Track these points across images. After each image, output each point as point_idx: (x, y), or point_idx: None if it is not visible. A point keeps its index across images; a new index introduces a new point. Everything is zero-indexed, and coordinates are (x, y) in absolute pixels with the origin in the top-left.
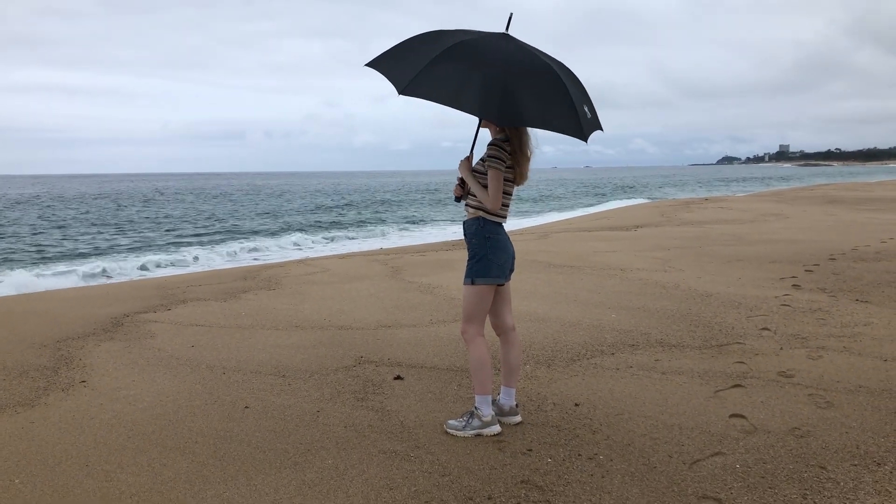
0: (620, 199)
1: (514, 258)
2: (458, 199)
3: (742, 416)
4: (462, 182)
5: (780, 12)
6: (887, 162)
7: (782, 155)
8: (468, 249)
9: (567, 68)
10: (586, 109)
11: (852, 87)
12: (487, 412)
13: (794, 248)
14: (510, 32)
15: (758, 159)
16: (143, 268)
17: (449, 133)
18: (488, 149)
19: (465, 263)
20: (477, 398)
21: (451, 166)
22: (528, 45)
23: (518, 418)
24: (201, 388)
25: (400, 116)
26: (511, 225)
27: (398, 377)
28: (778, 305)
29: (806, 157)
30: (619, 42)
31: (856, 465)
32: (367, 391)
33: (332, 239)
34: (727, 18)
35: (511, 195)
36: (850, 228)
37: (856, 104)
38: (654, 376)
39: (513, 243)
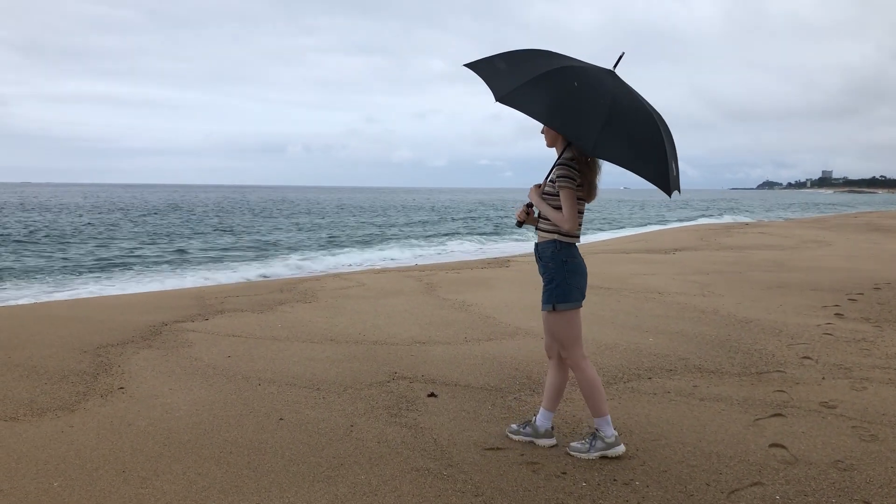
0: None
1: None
2: (520, 225)
3: (782, 447)
4: (529, 206)
5: (826, 37)
6: None
7: (825, 181)
8: (544, 274)
9: (664, 121)
10: (674, 165)
11: None
12: (610, 433)
13: (837, 276)
14: (617, 72)
15: (799, 185)
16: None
17: (487, 151)
18: (558, 169)
19: (541, 287)
20: (596, 421)
21: (488, 184)
22: (632, 88)
23: (553, 441)
24: (237, 398)
25: (439, 133)
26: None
27: (432, 394)
28: (820, 334)
29: (849, 184)
30: (660, 63)
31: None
32: (401, 407)
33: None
34: (770, 42)
35: (583, 213)
36: (895, 257)
37: None
38: (692, 402)
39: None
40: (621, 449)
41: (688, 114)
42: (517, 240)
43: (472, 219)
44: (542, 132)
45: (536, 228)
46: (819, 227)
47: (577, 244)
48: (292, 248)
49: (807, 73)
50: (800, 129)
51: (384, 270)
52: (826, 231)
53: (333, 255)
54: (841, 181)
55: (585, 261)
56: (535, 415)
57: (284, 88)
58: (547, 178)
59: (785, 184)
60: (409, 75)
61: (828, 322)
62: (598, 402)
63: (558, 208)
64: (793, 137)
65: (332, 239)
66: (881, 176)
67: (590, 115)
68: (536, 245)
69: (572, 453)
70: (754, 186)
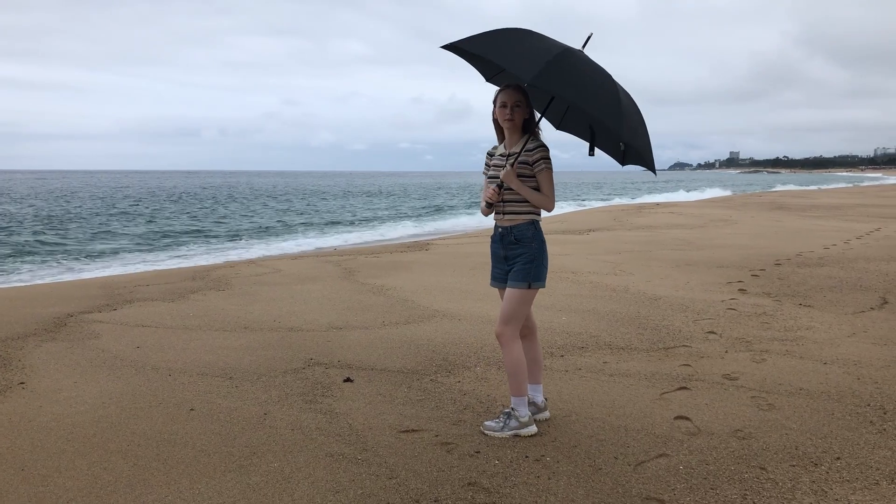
0: (587, 200)
1: None
2: (489, 206)
3: (687, 419)
4: (500, 188)
5: (735, 23)
6: (833, 170)
7: (732, 161)
8: (521, 254)
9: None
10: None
11: (802, 97)
12: (525, 413)
13: (741, 254)
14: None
15: (709, 165)
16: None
17: (408, 135)
18: (537, 152)
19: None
20: (513, 399)
21: (409, 168)
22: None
23: (548, 413)
24: (146, 389)
25: (359, 117)
26: (466, 227)
27: (348, 379)
28: (724, 309)
29: (755, 164)
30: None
31: (794, 466)
32: (316, 394)
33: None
34: (683, 27)
35: None
36: (795, 234)
37: (805, 113)
38: (602, 378)
39: (469, 247)
40: (534, 429)
41: None
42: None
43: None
44: (513, 109)
45: (504, 212)
46: (726, 207)
47: None
48: (236, 236)
49: (717, 58)
50: (710, 112)
51: (301, 256)
52: (732, 210)
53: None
54: (747, 161)
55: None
56: (511, 407)
57: (200, 71)
58: (516, 161)
59: (695, 164)
60: (329, 58)
61: (732, 298)
62: (521, 382)
63: (536, 190)
64: (703, 120)
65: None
66: (784, 156)
67: (609, 97)
68: (508, 228)
69: (486, 432)
70: (666, 167)
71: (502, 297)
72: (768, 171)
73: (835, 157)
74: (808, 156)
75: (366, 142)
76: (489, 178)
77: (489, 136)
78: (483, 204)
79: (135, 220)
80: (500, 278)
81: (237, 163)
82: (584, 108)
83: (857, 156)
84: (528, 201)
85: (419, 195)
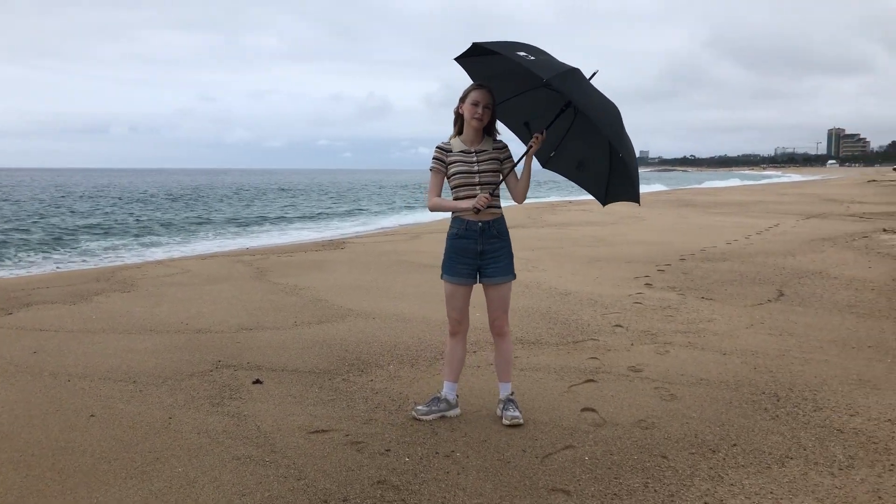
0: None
1: None
2: (478, 211)
3: (593, 410)
4: (490, 195)
5: (648, 25)
6: (736, 168)
7: (642, 160)
8: (501, 247)
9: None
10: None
11: (710, 98)
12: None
13: (648, 250)
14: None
15: None
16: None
17: (326, 132)
18: (504, 150)
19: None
20: (510, 386)
21: (327, 165)
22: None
23: (459, 410)
24: (42, 396)
25: (276, 113)
26: (383, 224)
27: (257, 381)
28: (631, 303)
29: (664, 163)
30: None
31: (693, 454)
32: (224, 396)
33: None
34: (598, 29)
35: None
36: (700, 231)
37: (712, 114)
38: (513, 373)
39: (386, 245)
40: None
41: None
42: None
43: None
44: (483, 109)
45: (481, 210)
46: (636, 205)
47: None
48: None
49: (630, 59)
50: (623, 112)
51: (212, 256)
52: (641, 208)
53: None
54: (657, 160)
55: (420, 241)
56: (440, 391)
57: (106, 65)
58: (489, 161)
59: None
60: (243, 53)
61: (638, 292)
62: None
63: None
64: None
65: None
66: (692, 155)
67: (614, 115)
68: (490, 223)
69: (511, 422)
70: None
71: (465, 295)
72: (682, 170)
73: (739, 156)
74: (714, 155)
75: (283, 139)
76: (466, 181)
77: (409, 134)
78: (434, 200)
79: (38, 220)
80: (470, 275)
81: (150, 160)
82: (591, 117)
83: (759, 155)
84: (499, 197)
85: (340, 192)
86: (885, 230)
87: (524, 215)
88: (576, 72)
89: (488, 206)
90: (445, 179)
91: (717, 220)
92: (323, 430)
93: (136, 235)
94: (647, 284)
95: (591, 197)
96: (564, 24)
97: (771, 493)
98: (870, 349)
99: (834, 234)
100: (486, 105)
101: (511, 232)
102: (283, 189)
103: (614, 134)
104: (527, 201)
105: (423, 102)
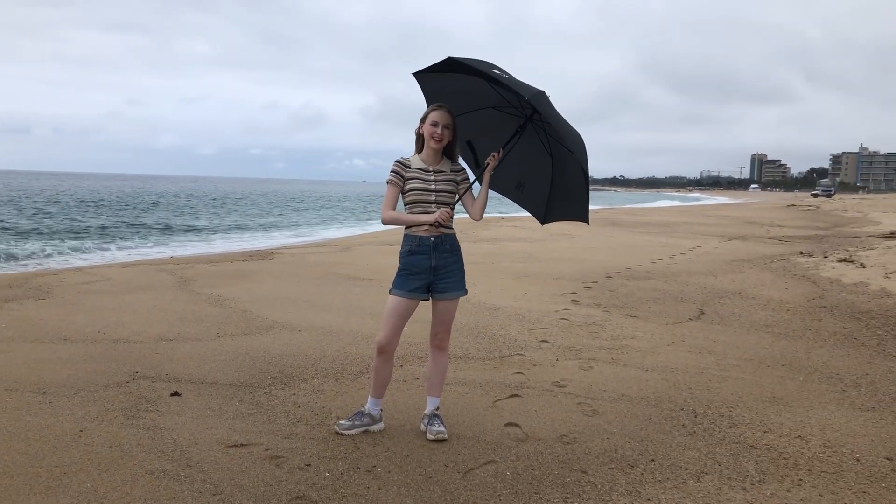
0: None
1: None
2: (438, 225)
3: (517, 425)
4: (452, 209)
5: (582, 47)
6: (663, 190)
7: None
8: (454, 262)
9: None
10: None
11: (640, 121)
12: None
13: (576, 266)
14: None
15: None
16: None
17: (259, 140)
18: (462, 172)
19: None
20: (438, 401)
21: (259, 174)
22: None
23: (382, 424)
24: None
25: (208, 120)
26: (314, 237)
27: (175, 393)
28: (558, 319)
29: (594, 183)
30: (431, 62)
31: (612, 469)
32: (140, 409)
33: None
34: (533, 48)
35: None
36: (626, 249)
37: (642, 136)
38: None
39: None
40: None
41: None
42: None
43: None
44: (443, 129)
45: (442, 225)
46: (566, 222)
47: None
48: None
49: (564, 80)
50: None
51: (134, 264)
52: (571, 225)
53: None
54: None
55: (350, 253)
56: (364, 405)
57: (28, 64)
58: (446, 182)
59: None
60: (174, 58)
61: (565, 308)
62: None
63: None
64: None
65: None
66: (621, 176)
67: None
68: (442, 238)
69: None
70: None
71: (408, 312)
72: (612, 190)
73: (666, 177)
74: (643, 176)
75: (215, 146)
76: (422, 198)
77: (344, 146)
78: (389, 213)
79: None
80: (422, 291)
81: (74, 164)
82: (559, 132)
83: (685, 177)
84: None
85: (271, 202)
86: (801, 253)
87: (456, 229)
88: (545, 94)
89: (444, 225)
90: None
91: (643, 240)
92: (242, 445)
93: (55, 241)
94: (573, 301)
95: (525, 214)
96: (501, 43)
97: None
98: (783, 367)
99: (754, 256)
100: (445, 125)
101: None
102: (213, 198)
103: (582, 155)
104: (462, 216)
105: (359, 114)
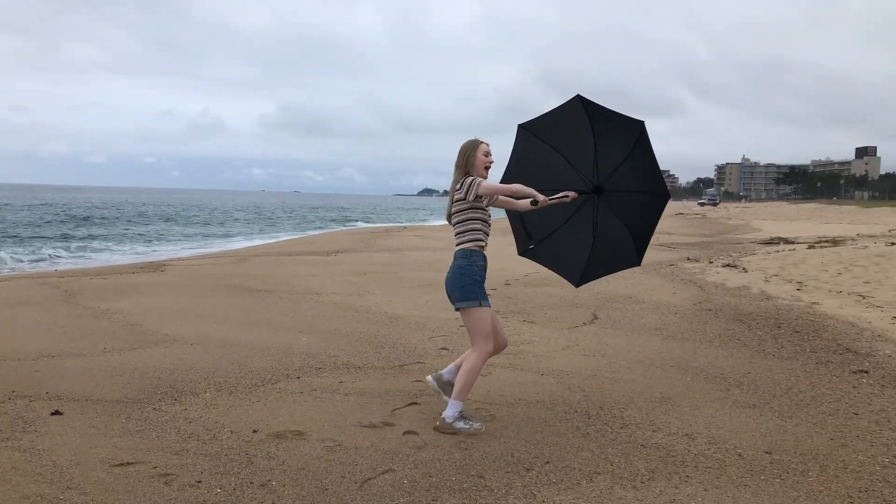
0: (330, 225)
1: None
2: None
3: (415, 433)
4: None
5: (483, 59)
6: None
7: None
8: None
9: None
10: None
11: None
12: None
13: None
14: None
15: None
16: None
17: (153, 149)
18: None
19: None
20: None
21: (153, 184)
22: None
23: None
24: None
25: (98, 127)
26: (209, 249)
27: (56, 412)
28: (457, 326)
29: None
30: (332, 71)
31: (509, 472)
32: (16, 430)
33: None
34: (435, 60)
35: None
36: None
37: None
38: (337, 398)
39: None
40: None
41: (361, 123)
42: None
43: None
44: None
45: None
46: None
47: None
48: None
49: (465, 91)
50: (456, 142)
51: (13, 277)
52: None
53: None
54: None
55: (248, 264)
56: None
57: None
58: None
59: (441, 191)
60: (61, 63)
61: None
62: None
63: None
64: (450, 148)
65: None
66: None
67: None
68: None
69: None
70: (416, 193)
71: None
72: None
73: None
74: None
75: (106, 154)
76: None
77: (242, 154)
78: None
79: None
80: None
81: None
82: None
83: None
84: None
85: (164, 212)
86: (689, 259)
87: (358, 239)
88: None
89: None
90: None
91: None
92: (128, 463)
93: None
94: None
95: (428, 223)
96: (400, 54)
97: None
98: (672, 368)
99: (644, 262)
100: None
101: (343, 256)
102: (98, 207)
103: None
104: (363, 225)
105: (258, 123)
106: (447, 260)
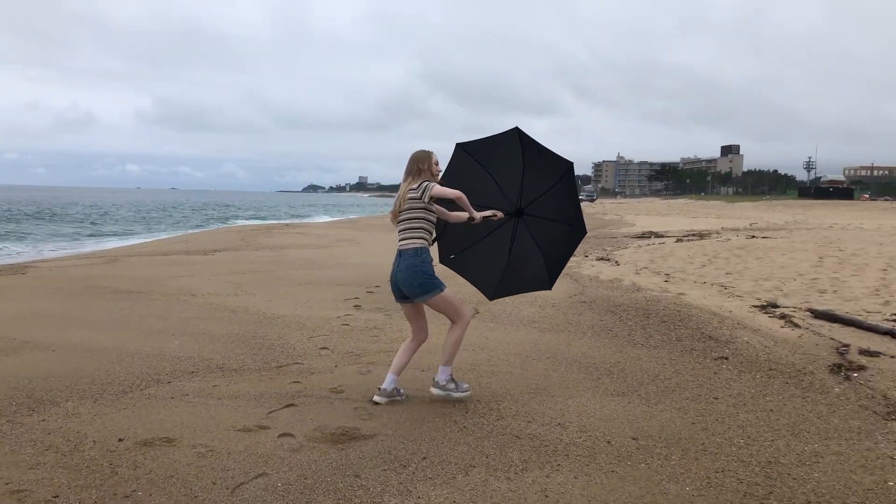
0: (210, 223)
1: (394, 283)
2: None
3: (291, 435)
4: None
5: (365, 56)
6: None
7: (361, 186)
8: None
9: None
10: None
11: (424, 129)
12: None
13: (360, 272)
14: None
15: (340, 189)
16: None
17: (15, 144)
18: None
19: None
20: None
21: (15, 181)
22: None
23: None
24: None
25: None
26: (77, 249)
27: None
28: (339, 325)
29: (382, 189)
30: (212, 65)
31: (386, 470)
32: None
33: None
34: (318, 56)
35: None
36: None
37: (427, 143)
38: (210, 402)
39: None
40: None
41: (243, 118)
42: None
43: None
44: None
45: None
46: (351, 228)
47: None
48: None
49: (350, 87)
50: (342, 138)
51: None
52: (357, 231)
53: None
54: (375, 186)
55: (120, 264)
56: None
57: None
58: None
59: (327, 187)
60: None
61: (347, 314)
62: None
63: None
64: (335, 145)
65: None
66: None
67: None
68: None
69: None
70: (300, 189)
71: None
72: (395, 195)
73: None
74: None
75: None
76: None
77: (115, 150)
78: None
79: None
80: None
81: None
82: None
83: None
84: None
85: (25, 211)
86: None
87: (238, 238)
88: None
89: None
90: (424, 210)
91: None
92: None
93: None
94: (356, 306)
95: (309, 220)
96: (282, 48)
97: (454, 502)
98: (547, 360)
99: None
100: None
101: (220, 255)
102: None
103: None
104: (243, 223)
105: (132, 117)
106: (329, 257)
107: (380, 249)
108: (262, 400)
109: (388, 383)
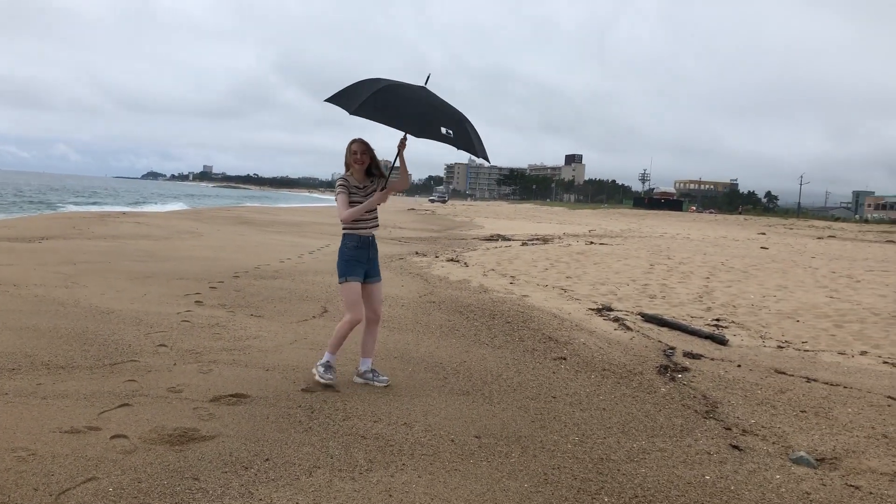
0: (38, 207)
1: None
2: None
3: (124, 436)
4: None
5: (214, 40)
6: (297, 190)
7: (206, 175)
8: (377, 255)
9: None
10: (483, 144)
11: (276, 120)
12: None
13: (203, 266)
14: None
15: (183, 177)
16: None
17: None
18: (377, 180)
19: None
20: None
21: None
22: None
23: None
24: None
25: None
26: None
27: None
28: (179, 321)
29: (227, 179)
30: (45, 38)
31: (226, 472)
32: None
33: None
34: (161, 36)
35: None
36: (256, 248)
37: (278, 135)
38: (34, 402)
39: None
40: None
41: (79, 97)
42: None
43: None
44: (362, 155)
45: (375, 225)
46: (193, 219)
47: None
48: None
49: (195, 72)
50: (186, 124)
51: None
52: (199, 223)
53: None
54: (220, 176)
55: None
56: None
57: None
58: (372, 193)
59: (169, 175)
60: None
61: (188, 310)
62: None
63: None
64: (179, 131)
65: None
66: (255, 174)
67: (417, 115)
68: (373, 237)
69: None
70: (139, 176)
71: (360, 290)
72: (245, 188)
73: (300, 177)
74: (276, 175)
75: None
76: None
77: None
78: (348, 212)
79: None
80: (362, 275)
81: None
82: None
83: (317, 178)
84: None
85: None
86: (417, 253)
87: (69, 225)
88: (378, 95)
89: (373, 224)
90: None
91: (273, 239)
92: None
93: None
94: (197, 302)
95: (149, 209)
96: (123, 26)
97: (297, 503)
98: (396, 359)
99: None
100: (363, 152)
101: (49, 243)
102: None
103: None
104: (75, 209)
105: None
106: (170, 249)
107: (223, 243)
108: (92, 399)
109: (362, 365)
